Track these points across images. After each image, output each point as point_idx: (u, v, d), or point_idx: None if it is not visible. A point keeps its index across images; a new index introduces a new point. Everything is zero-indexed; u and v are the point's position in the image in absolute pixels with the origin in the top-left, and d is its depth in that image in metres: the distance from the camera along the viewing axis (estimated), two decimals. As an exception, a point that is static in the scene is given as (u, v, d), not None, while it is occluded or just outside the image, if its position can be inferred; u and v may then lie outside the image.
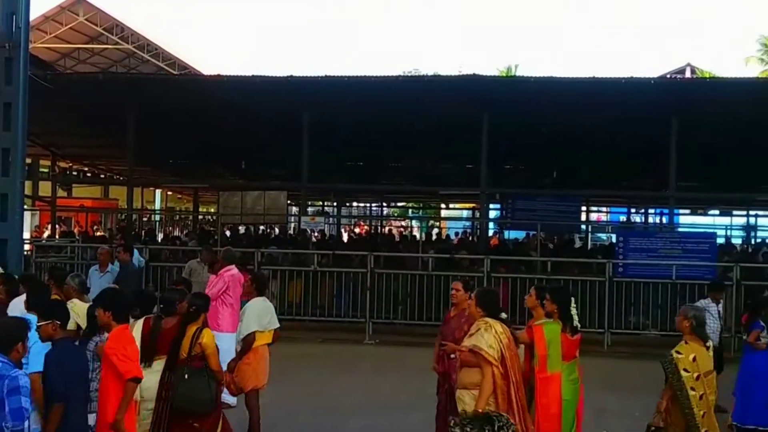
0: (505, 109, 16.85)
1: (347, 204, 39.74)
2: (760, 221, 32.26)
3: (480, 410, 5.88)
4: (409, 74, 36.08)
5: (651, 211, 30.93)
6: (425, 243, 23.35)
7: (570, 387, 6.55)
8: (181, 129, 21.09)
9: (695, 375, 6.31)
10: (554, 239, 26.41)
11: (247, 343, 7.91)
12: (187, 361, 6.76)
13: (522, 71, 46.60)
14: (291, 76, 16.55)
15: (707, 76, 42.19)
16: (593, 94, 16.15)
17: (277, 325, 8.30)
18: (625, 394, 8.89)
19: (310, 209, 28.05)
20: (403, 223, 39.36)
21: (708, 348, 6.52)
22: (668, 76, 37.42)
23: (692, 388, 6.26)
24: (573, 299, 6.73)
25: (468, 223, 33.03)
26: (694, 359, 6.36)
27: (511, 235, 27.47)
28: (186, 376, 6.66)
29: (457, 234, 32.57)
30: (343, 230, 36.12)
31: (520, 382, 6.22)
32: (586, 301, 14.19)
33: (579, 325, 6.66)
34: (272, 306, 8.45)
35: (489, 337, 6.10)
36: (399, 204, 43.26)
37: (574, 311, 6.61)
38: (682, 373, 6.29)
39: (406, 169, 26.76)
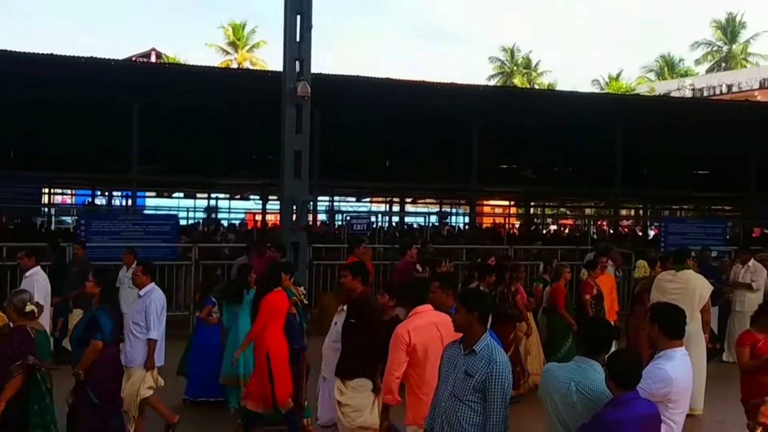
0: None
1: None
2: (220, 203, 34.52)
3: None
4: None
5: (117, 193, 30.83)
6: None
7: None
8: None
9: None
10: (16, 222, 24.81)
11: None
12: None
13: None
14: None
15: (172, 61, 43.56)
16: (55, 70, 15.51)
17: None
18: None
19: None
20: None
21: None
22: (134, 59, 37.66)
23: None
24: None
25: None
26: None
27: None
28: None
29: None
30: None
31: None
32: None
33: None
34: None
35: None
36: None
37: None
38: None
39: None
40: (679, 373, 4.69)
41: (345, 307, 7.13)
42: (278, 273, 8.17)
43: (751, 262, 12.73)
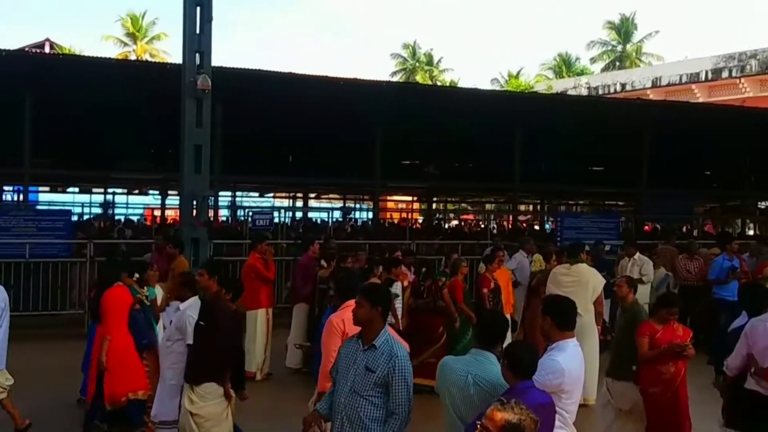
0: None
1: None
2: (117, 198, 33.61)
3: None
4: None
5: (8, 188, 29.66)
6: None
7: None
8: None
9: None
10: None
11: None
12: None
13: None
14: None
15: (67, 52, 42.16)
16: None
17: None
18: None
19: None
20: None
21: None
22: (27, 49, 36.24)
23: None
24: None
25: None
26: None
27: None
28: None
29: None
30: None
31: None
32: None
33: None
34: None
35: None
36: None
37: None
38: None
39: None
40: (571, 364, 4.84)
41: (180, 305, 7.06)
42: (113, 270, 8.11)
43: (637, 255, 13.24)
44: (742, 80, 41.28)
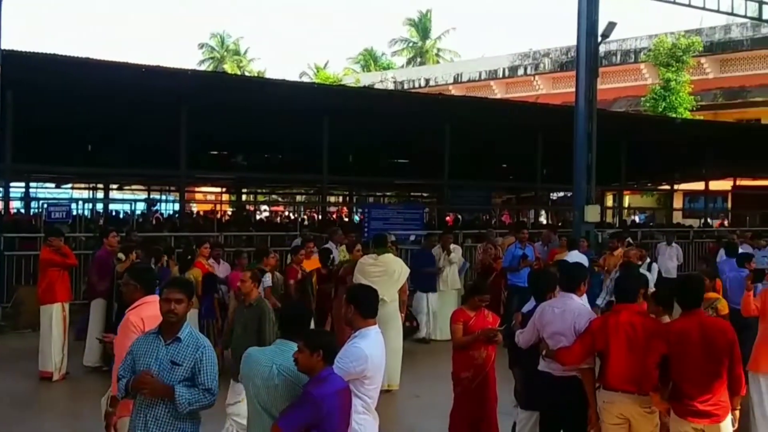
0: None
1: None
2: None
3: None
4: None
5: None
6: None
7: None
8: None
9: None
10: None
11: None
12: None
13: None
14: None
15: None
16: None
17: None
18: None
19: None
20: None
21: None
22: None
23: None
24: None
25: None
26: None
27: None
28: None
29: None
30: None
31: None
32: None
33: None
34: None
35: None
36: None
37: None
38: None
39: None
40: (373, 350, 4.97)
41: None
42: None
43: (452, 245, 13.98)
44: (536, 78, 43.97)
